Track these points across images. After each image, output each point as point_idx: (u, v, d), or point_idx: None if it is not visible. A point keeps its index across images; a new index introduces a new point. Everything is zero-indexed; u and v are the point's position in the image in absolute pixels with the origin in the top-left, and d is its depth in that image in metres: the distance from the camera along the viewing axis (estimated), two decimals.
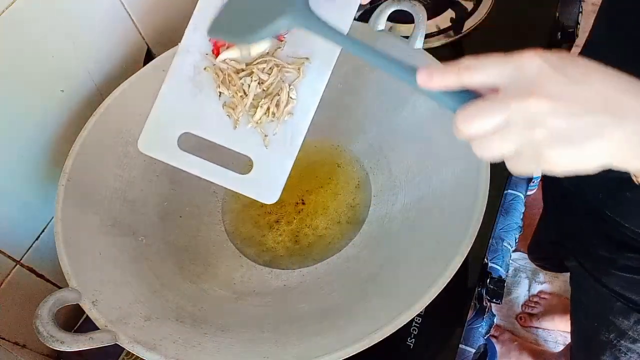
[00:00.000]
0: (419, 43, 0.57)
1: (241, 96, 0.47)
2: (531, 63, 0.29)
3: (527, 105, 0.29)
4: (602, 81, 0.29)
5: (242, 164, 0.48)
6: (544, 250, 0.94)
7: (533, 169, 0.31)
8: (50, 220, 0.59)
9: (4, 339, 0.55)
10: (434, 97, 0.34)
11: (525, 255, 1.36)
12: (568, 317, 0.89)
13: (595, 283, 0.63)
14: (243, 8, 0.47)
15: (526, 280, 1.33)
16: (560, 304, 1.24)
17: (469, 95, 0.32)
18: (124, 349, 0.41)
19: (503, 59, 0.31)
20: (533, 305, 1.26)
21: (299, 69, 0.48)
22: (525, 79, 0.29)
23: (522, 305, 1.27)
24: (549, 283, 1.31)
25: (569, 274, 0.73)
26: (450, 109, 0.33)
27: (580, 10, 0.93)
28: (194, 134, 0.48)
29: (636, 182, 0.38)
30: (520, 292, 1.31)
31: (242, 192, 0.47)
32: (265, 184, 0.46)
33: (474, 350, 0.58)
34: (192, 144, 0.48)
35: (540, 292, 1.29)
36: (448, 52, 0.79)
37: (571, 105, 0.28)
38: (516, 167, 0.32)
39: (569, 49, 0.87)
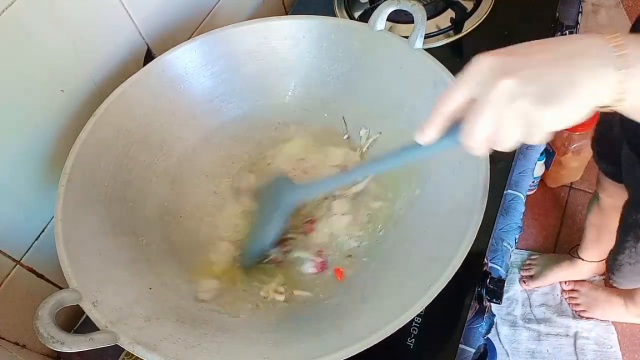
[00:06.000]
0: (418, 43, 0.57)
1: None
2: (481, 63, 0.34)
3: (498, 89, 0.32)
4: (543, 44, 0.34)
5: None
6: (604, 146, 0.94)
7: (521, 139, 0.34)
8: (50, 220, 0.59)
9: (4, 339, 0.55)
10: (445, 147, 0.39)
11: (516, 251, 1.37)
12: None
13: (636, 160, 0.66)
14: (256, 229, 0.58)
15: (519, 276, 1.33)
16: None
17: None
18: (124, 349, 0.41)
19: (460, 77, 0.35)
20: None
21: None
22: (485, 76, 0.33)
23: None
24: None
25: None
26: (459, 142, 0.37)
27: (580, 10, 0.93)
28: None
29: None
30: (517, 289, 1.31)
31: None
32: None
33: (473, 350, 0.58)
34: None
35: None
36: (448, 52, 0.79)
37: (532, 71, 0.32)
38: (506, 142, 0.34)
39: None
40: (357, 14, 0.87)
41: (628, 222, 0.74)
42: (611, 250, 0.85)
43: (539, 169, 1.31)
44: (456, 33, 0.81)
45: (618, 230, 0.80)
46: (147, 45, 0.66)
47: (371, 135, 0.63)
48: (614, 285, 0.87)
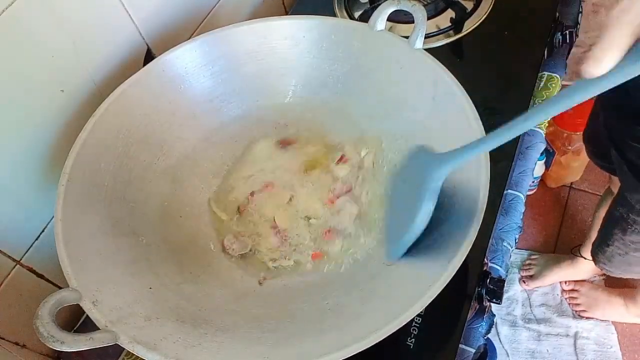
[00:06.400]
0: (419, 43, 0.57)
1: None
2: None
3: None
4: None
5: None
6: (597, 139, 0.93)
7: None
8: (50, 220, 0.59)
9: (3, 339, 0.55)
10: (625, 76, 0.29)
11: (516, 251, 1.37)
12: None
13: (621, 161, 0.67)
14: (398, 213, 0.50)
15: (519, 276, 1.34)
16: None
17: None
18: (124, 349, 0.41)
19: None
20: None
21: None
22: None
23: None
24: None
25: None
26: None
27: (580, 10, 0.93)
28: None
29: None
30: (517, 289, 1.31)
31: None
32: None
33: (473, 350, 0.58)
34: None
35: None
36: (448, 52, 0.79)
37: None
38: None
39: (569, 49, 0.87)
40: (357, 14, 0.87)
41: (615, 216, 0.75)
42: (594, 242, 0.86)
43: (539, 169, 1.31)
44: (456, 33, 0.81)
45: (604, 222, 0.81)
46: (147, 45, 0.66)
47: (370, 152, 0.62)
48: (608, 274, 0.89)
